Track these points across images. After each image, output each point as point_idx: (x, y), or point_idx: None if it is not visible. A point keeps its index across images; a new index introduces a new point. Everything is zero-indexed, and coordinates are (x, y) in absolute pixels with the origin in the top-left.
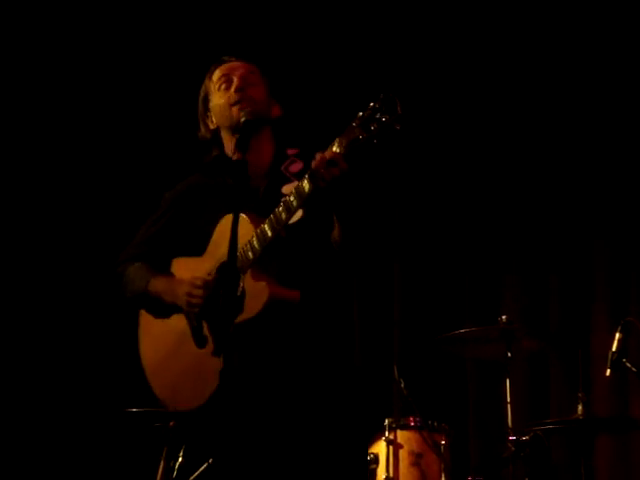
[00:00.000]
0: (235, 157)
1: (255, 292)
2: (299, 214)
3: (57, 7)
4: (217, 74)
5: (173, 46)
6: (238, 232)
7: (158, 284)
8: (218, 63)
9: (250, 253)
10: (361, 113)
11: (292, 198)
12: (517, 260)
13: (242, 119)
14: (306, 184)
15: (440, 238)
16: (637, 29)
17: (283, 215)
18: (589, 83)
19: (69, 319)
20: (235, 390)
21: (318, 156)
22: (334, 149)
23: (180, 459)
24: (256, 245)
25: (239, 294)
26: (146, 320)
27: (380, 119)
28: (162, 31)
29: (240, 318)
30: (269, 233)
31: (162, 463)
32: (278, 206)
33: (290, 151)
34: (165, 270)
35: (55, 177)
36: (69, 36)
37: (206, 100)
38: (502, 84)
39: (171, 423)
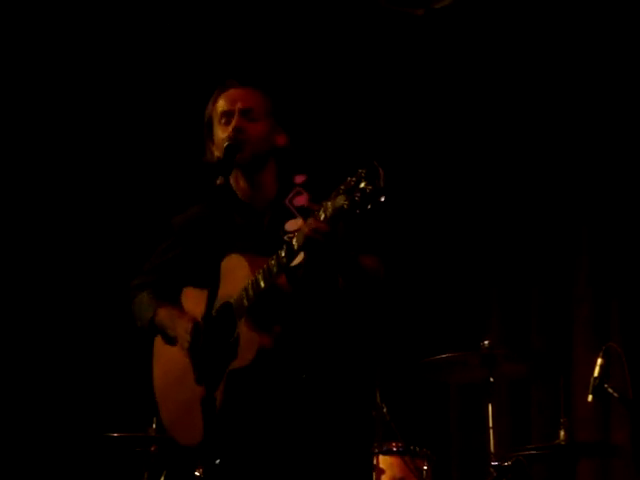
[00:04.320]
0: (218, 182)
1: (248, 340)
2: (300, 257)
3: (60, 11)
4: (220, 104)
5: (182, 61)
6: (237, 274)
7: (163, 316)
8: (222, 89)
9: (245, 300)
10: (349, 178)
11: (283, 254)
12: (499, 286)
13: (224, 144)
14: (295, 242)
15: (421, 263)
16: (637, 29)
17: (274, 269)
18: (568, 103)
19: (52, 342)
20: (221, 435)
21: (307, 223)
22: (321, 216)
23: None
24: (250, 293)
25: (233, 340)
26: (159, 344)
27: (364, 189)
28: (172, 44)
29: (233, 365)
30: (262, 284)
31: None
32: (271, 258)
33: (298, 179)
34: (175, 299)
35: (62, 183)
36: (75, 42)
37: (209, 125)
38: (487, 107)
39: (152, 448)
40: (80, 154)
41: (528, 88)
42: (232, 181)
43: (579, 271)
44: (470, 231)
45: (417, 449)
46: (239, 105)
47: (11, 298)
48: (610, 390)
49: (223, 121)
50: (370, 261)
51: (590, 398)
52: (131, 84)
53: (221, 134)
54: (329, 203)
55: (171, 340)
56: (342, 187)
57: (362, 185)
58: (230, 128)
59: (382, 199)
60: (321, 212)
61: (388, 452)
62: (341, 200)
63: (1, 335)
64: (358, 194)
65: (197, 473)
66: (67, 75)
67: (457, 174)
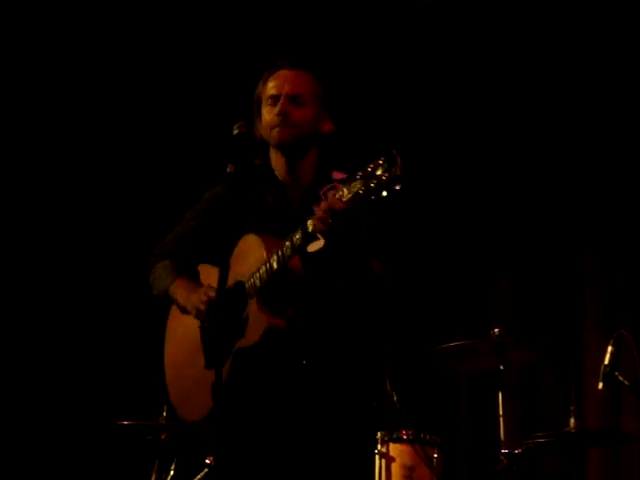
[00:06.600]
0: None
1: (256, 321)
2: (320, 243)
3: (69, 9)
4: (269, 86)
5: (223, 39)
6: (252, 255)
7: (179, 286)
8: (273, 69)
9: (257, 280)
10: (367, 166)
11: (297, 236)
12: (509, 274)
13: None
14: (310, 224)
15: (431, 251)
16: (637, 29)
17: (288, 251)
18: (576, 102)
19: (61, 331)
20: (228, 409)
21: (322, 204)
22: (337, 197)
23: (172, 472)
24: (263, 274)
25: (243, 319)
26: (174, 317)
27: (381, 177)
28: (214, 32)
29: (239, 344)
30: (275, 265)
31: (153, 476)
32: (285, 240)
33: (336, 174)
34: (194, 272)
35: (70, 173)
36: (84, 38)
37: (258, 103)
38: (493, 102)
39: (163, 436)
40: (102, 134)
41: (539, 88)
42: (272, 161)
43: (588, 260)
44: (481, 218)
45: (427, 437)
46: (286, 89)
47: (21, 286)
48: (620, 378)
49: (270, 102)
50: (376, 267)
51: (600, 386)
52: (165, 61)
53: (267, 115)
54: (345, 188)
55: (184, 310)
56: (360, 173)
57: (379, 172)
58: (276, 111)
59: (397, 187)
60: (338, 194)
61: (398, 440)
62: (357, 186)
63: (12, 324)
64: (375, 181)
65: (208, 461)
66: (93, 54)
67: (470, 167)
